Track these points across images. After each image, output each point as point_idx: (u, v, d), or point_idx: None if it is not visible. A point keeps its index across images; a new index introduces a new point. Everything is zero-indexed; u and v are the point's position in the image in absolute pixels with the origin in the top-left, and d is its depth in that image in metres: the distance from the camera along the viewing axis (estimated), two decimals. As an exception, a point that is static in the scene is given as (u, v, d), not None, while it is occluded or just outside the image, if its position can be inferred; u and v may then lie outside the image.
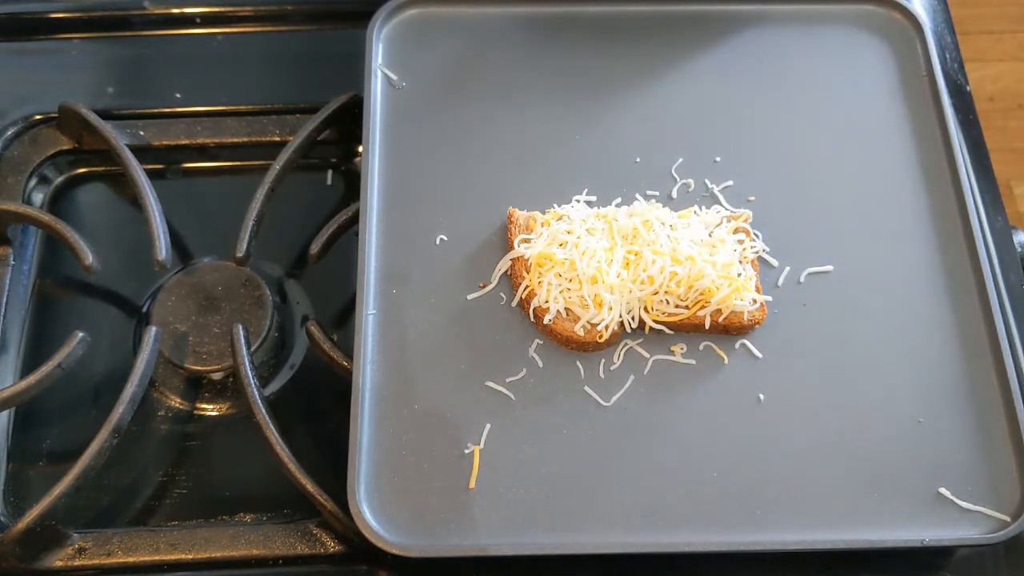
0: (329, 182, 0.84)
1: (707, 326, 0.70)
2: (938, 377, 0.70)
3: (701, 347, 0.71)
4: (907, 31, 0.84)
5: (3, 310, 0.75)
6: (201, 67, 0.87)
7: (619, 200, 0.75)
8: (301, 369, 0.76)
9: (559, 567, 0.66)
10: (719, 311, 0.69)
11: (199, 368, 0.74)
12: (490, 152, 0.77)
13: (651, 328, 0.70)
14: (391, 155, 0.77)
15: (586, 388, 0.69)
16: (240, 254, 0.74)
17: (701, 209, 0.74)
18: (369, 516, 0.64)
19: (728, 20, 0.84)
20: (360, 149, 0.79)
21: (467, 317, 0.71)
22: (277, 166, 0.77)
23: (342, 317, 0.78)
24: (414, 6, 0.83)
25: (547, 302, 0.69)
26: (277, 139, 0.82)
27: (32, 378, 0.69)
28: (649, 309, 0.70)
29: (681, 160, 0.77)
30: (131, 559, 0.67)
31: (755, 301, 0.70)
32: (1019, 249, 0.79)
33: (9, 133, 0.82)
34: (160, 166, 0.83)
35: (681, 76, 0.82)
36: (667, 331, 0.71)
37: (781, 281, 0.73)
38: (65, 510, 0.66)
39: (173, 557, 0.67)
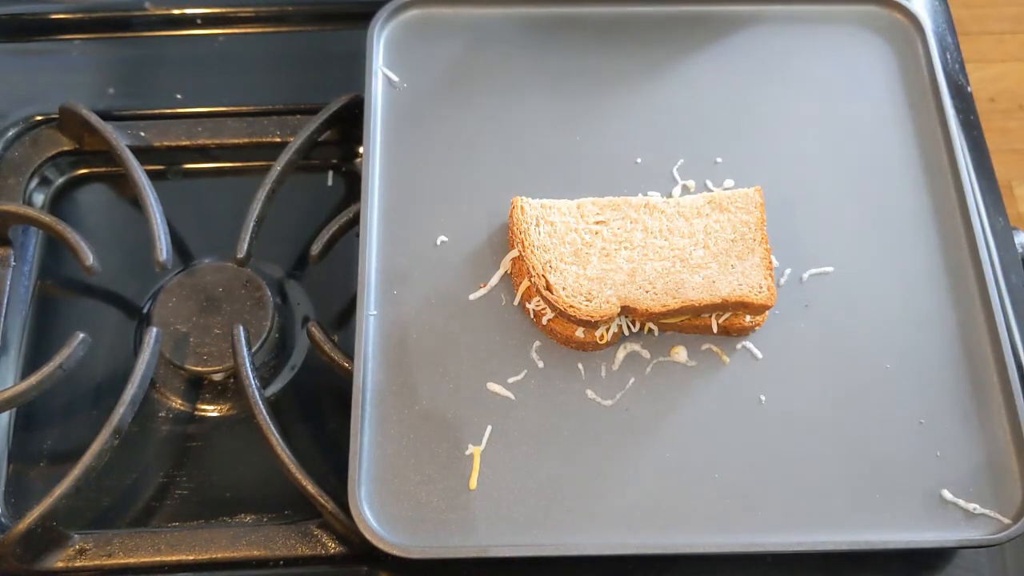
0: (330, 183, 0.84)
1: (715, 330, 0.70)
2: (939, 378, 0.70)
3: (702, 348, 0.71)
4: (908, 32, 0.84)
5: (4, 311, 0.75)
6: (202, 68, 0.87)
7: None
8: (302, 370, 0.76)
9: (560, 568, 0.66)
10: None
11: (200, 369, 0.74)
12: (490, 153, 0.77)
13: (651, 329, 0.71)
14: (391, 156, 0.77)
15: (587, 389, 0.69)
16: (241, 255, 0.74)
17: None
18: (370, 517, 0.64)
19: (728, 20, 0.84)
20: (361, 150, 0.79)
21: (467, 317, 0.71)
22: (278, 167, 0.77)
23: (343, 318, 0.78)
24: (415, 7, 0.83)
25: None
26: (278, 140, 0.82)
27: (33, 379, 0.69)
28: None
29: (682, 161, 0.77)
30: (132, 560, 0.67)
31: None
32: (1020, 249, 0.79)
33: (10, 134, 0.82)
34: (161, 167, 0.83)
35: (681, 76, 0.81)
36: (668, 332, 0.71)
37: (783, 282, 0.73)
38: (66, 511, 0.66)
39: (174, 558, 0.67)
